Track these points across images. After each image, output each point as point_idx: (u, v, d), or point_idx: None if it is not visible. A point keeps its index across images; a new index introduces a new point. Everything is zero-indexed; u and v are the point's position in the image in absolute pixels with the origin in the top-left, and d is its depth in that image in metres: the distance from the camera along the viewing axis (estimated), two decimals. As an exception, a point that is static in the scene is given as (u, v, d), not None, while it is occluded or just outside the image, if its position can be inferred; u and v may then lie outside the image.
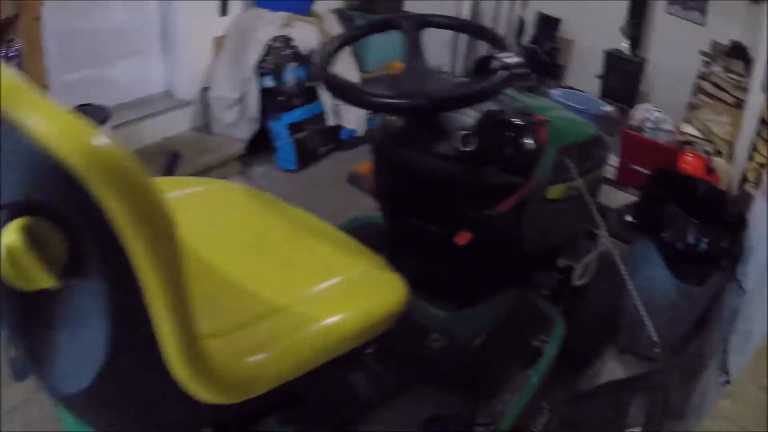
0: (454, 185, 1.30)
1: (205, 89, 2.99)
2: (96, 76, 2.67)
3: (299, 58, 2.96)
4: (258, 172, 2.98)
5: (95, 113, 2.30)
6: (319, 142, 3.09)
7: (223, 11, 2.95)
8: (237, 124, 2.95)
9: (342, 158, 3.14)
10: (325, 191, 2.71)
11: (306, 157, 3.02)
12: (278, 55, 2.89)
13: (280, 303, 0.97)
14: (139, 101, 2.87)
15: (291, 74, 2.93)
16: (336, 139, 3.18)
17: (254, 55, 2.84)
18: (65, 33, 2.39)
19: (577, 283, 1.67)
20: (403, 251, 1.40)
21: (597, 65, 3.39)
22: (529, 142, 1.26)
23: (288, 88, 2.94)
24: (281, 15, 2.95)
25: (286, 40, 2.93)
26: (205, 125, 3.03)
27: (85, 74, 2.61)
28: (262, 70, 2.87)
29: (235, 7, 3.00)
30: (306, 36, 3.01)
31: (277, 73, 2.89)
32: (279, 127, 2.94)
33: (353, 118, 3.15)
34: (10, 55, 1.93)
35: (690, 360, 1.89)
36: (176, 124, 2.95)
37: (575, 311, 1.67)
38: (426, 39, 1.40)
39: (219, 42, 2.96)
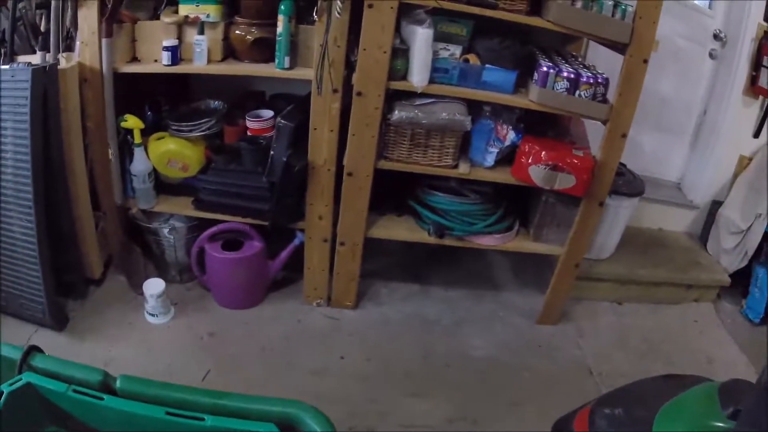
0: None
1: (715, 202, 3.06)
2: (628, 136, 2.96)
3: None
4: (726, 309, 2.97)
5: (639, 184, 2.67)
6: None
7: (757, 133, 2.94)
8: (732, 253, 2.95)
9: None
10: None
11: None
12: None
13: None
14: (652, 180, 3.13)
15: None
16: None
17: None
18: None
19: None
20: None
21: None
22: None
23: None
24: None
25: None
26: (700, 236, 3.12)
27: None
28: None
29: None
30: None
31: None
32: (764, 276, 2.83)
33: None
34: (600, 80, 2.11)
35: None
36: (675, 221, 3.13)
37: None
38: None
39: (743, 162, 2.98)
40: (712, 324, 2.88)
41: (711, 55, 3.02)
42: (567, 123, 2.52)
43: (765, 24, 2.82)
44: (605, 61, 2.32)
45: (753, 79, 2.88)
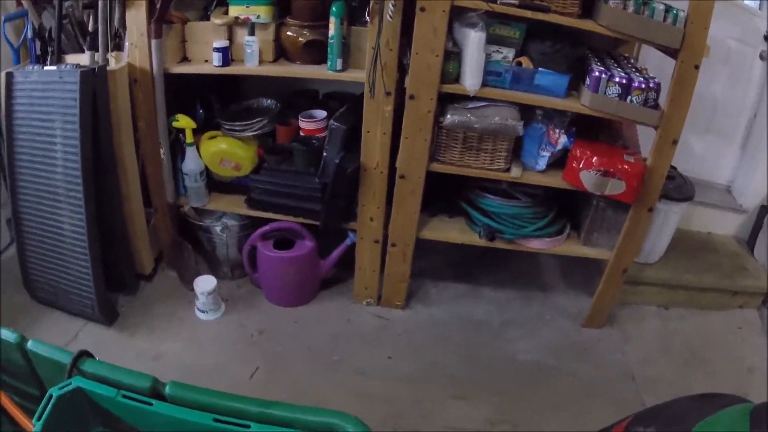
0: None
1: (764, 207, 3.01)
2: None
3: None
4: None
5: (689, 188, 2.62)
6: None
7: None
8: (779, 257, 2.91)
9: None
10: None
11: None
12: None
13: None
14: (702, 183, 3.08)
15: None
16: None
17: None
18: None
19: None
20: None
21: None
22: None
23: None
24: None
25: None
26: (748, 241, 3.07)
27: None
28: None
29: None
30: None
31: None
32: (814, 285, 2.79)
33: None
34: (652, 85, 2.09)
35: None
36: (724, 224, 3.08)
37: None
38: None
39: None
40: (756, 332, 2.84)
41: (762, 57, 2.95)
42: (619, 126, 2.49)
43: (819, 26, 2.75)
44: (658, 62, 2.28)
45: (804, 82, 2.81)
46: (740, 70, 2.98)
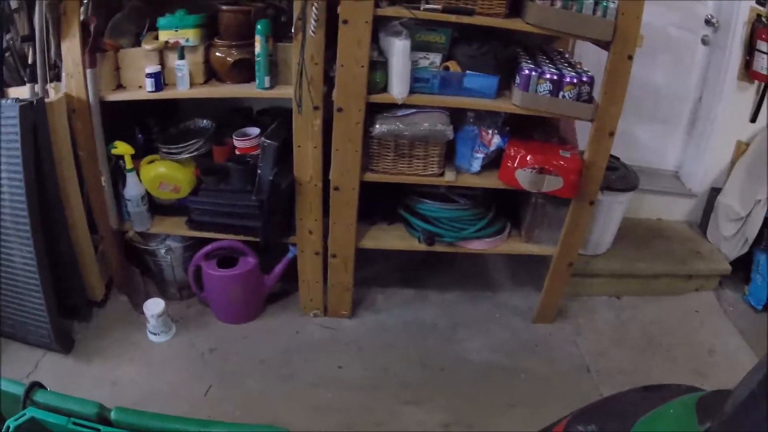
0: None
1: (714, 189, 3.03)
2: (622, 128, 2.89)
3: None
4: (727, 297, 2.95)
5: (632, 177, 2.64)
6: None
7: (754, 118, 2.91)
8: (732, 240, 2.93)
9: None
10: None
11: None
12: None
13: None
14: (650, 171, 3.11)
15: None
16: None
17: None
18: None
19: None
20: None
21: None
22: None
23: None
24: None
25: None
26: (700, 224, 3.10)
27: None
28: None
29: (764, 117, 2.92)
30: None
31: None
32: (765, 262, 2.81)
33: None
34: (584, 79, 2.09)
35: None
36: (674, 210, 3.11)
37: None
38: None
39: (740, 147, 2.94)
40: (714, 313, 2.86)
41: (704, 42, 2.98)
42: (555, 122, 2.51)
43: (758, 7, 2.77)
44: (595, 55, 2.29)
45: (747, 64, 2.83)
46: (682, 57, 3.01)
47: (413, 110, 2.19)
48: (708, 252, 2.97)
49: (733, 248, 2.92)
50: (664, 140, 3.15)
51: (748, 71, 2.84)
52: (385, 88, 2.14)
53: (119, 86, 2.32)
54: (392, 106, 2.16)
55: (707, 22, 2.93)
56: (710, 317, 2.85)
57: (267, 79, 2.18)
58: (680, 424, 1.21)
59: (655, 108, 3.05)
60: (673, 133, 3.15)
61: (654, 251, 2.91)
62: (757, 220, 2.80)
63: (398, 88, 2.10)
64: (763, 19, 2.76)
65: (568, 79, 2.14)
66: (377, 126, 2.15)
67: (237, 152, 2.37)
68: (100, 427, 1.30)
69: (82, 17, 2.13)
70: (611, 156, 2.40)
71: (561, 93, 2.15)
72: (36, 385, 1.38)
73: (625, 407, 1.42)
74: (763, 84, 2.87)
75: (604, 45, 2.09)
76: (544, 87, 2.14)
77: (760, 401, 0.93)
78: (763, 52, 2.76)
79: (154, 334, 2.42)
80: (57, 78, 2.29)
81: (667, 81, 3.01)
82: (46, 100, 2.16)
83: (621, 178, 2.70)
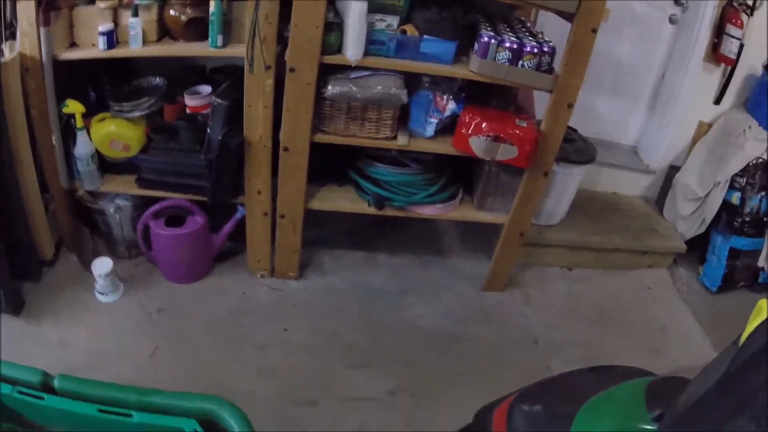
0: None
1: (673, 168, 3.05)
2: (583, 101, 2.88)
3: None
4: (681, 276, 2.99)
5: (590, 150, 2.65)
6: (744, 276, 2.90)
7: (719, 100, 2.93)
8: (689, 219, 2.96)
9: (753, 299, 2.89)
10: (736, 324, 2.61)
11: (728, 283, 2.87)
12: (754, 177, 2.76)
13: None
14: (610, 144, 3.12)
15: (757, 202, 2.78)
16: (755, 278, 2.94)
17: (736, 165, 2.79)
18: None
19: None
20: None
21: None
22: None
23: (749, 213, 2.81)
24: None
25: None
26: (656, 200, 3.12)
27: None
28: (733, 183, 2.81)
29: (728, 100, 2.95)
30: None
31: (745, 193, 2.79)
32: (722, 244, 2.85)
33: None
34: (545, 49, 2.07)
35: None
36: (631, 185, 3.13)
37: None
38: None
39: (702, 128, 2.96)
40: (667, 291, 2.90)
41: (671, 20, 2.97)
42: (514, 91, 2.50)
43: (729, -9, 2.76)
44: (558, 26, 2.28)
45: (714, 47, 2.83)
46: (648, 32, 3.00)
47: (367, 73, 2.16)
48: (664, 229, 3.00)
49: (689, 227, 2.95)
50: (625, 115, 3.16)
51: (715, 54, 2.83)
52: (339, 50, 2.11)
53: (73, 44, 2.27)
54: (346, 68, 2.14)
55: (676, 1, 2.93)
56: (663, 295, 2.88)
57: (220, 38, 2.14)
58: (629, 408, 1.16)
59: (617, 81, 3.06)
60: (634, 108, 3.15)
61: (609, 225, 2.94)
62: (715, 202, 2.83)
63: (353, 50, 2.07)
64: (734, 3, 2.75)
65: (528, 49, 2.12)
66: (330, 87, 2.13)
67: (188, 111, 2.33)
68: (44, 395, 1.26)
69: (37, -25, 2.08)
70: (569, 127, 2.41)
71: (520, 62, 2.14)
72: None
73: (572, 388, 1.39)
74: (729, 67, 2.87)
75: (568, 17, 2.07)
76: (504, 55, 2.13)
77: (717, 401, 0.89)
78: (732, 36, 2.76)
79: (102, 294, 2.40)
80: (13, 37, 2.24)
81: (631, 55, 3.01)
82: (1, 60, 2.12)
83: (578, 150, 2.71)
